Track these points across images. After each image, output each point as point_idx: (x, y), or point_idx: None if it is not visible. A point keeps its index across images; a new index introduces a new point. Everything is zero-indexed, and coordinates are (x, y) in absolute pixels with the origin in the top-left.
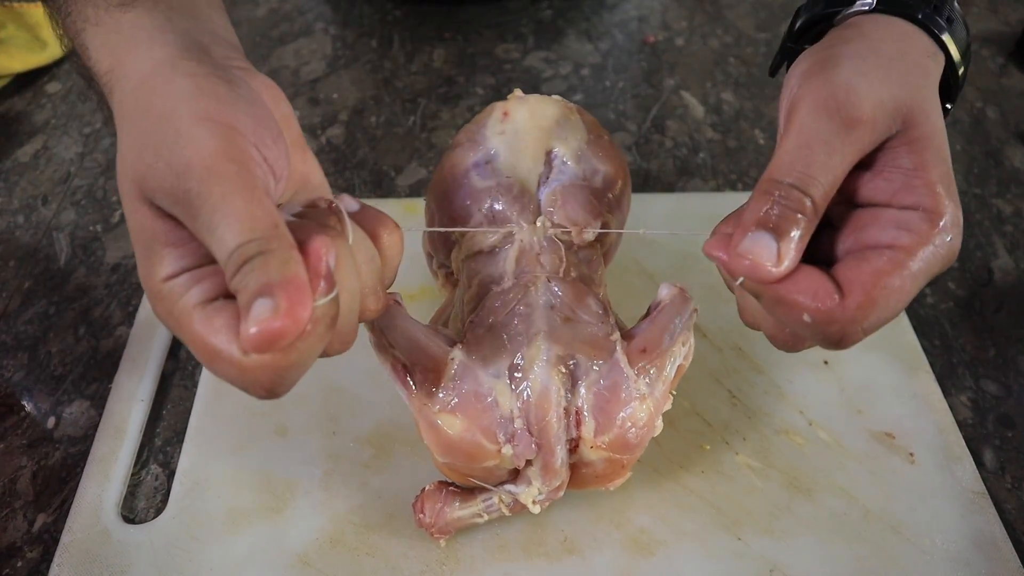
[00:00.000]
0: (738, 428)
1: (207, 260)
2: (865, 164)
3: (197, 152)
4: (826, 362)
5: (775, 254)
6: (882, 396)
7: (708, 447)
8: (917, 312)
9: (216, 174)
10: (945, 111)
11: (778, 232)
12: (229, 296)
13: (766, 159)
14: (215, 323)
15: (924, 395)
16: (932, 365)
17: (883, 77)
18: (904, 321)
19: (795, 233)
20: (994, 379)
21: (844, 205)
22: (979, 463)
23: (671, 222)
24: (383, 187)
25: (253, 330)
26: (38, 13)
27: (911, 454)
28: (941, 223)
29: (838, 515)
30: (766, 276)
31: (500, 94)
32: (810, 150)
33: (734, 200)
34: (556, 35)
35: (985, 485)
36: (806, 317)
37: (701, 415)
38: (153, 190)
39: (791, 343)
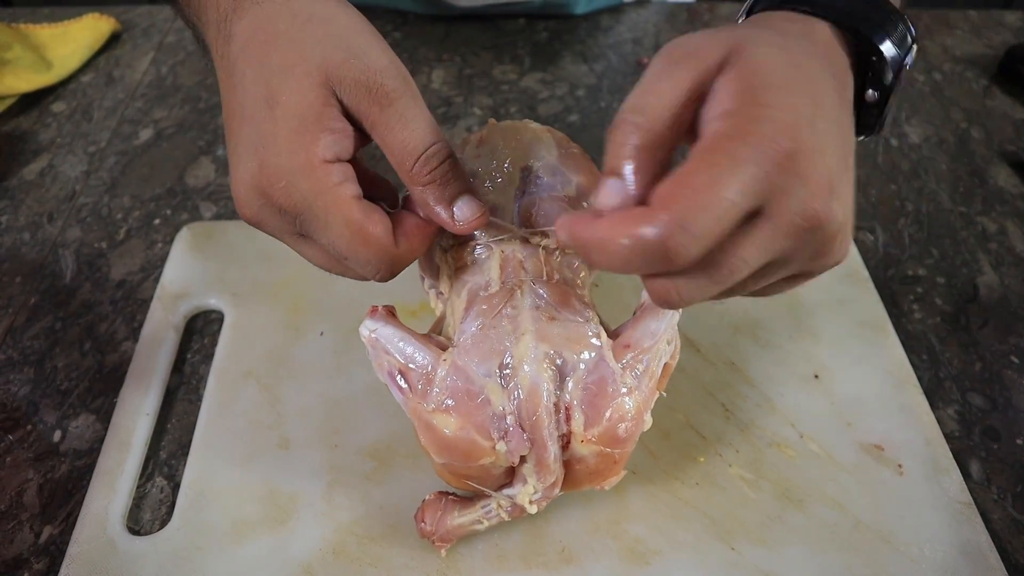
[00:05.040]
0: (731, 440)
1: (349, 156)
2: (704, 96)
3: (388, 60)
4: (816, 376)
5: (622, 190)
6: (871, 409)
7: (702, 459)
8: (905, 327)
9: (406, 80)
10: (870, 122)
11: (620, 170)
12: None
13: None
14: (374, 216)
15: (912, 408)
16: (920, 379)
17: (718, 30)
18: (892, 336)
19: (637, 163)
20: (980, 392)
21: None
22: (966, 474)
23: None
24: None
25: (463, 222)
26: (44, 34)
27: (900, 466)
28: (752, 115)
29: (829, 525)
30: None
31: (497, 115)
32: (644, 83)
33: None
34: (552, 57)
35: (972, 496)
36: (624, 240)
37: (695, 428)
38: (343, 79)
39: (663, 293)
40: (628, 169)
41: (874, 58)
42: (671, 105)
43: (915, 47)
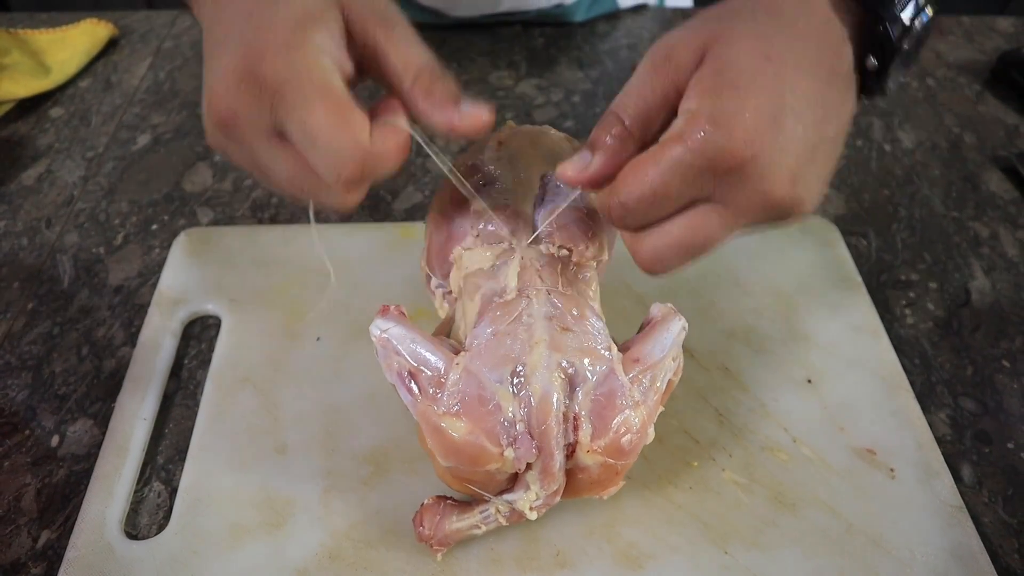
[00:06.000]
0: (724, 445)
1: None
2: (681, 92)
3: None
4: (809, 381)
5: (587, 163)
6: (863, 413)
7: (696, 464)
8: (897, 332)
9: (403, 14)
10: (874, 67)
11: (593, 148)
12: None
13: None
14: (354, 104)
15: (904, 412)
16: (912, 383)
17: (704, 19)
18: (884, 340)
19: (605, 146)
20: (972, 397)
21: None
22: (957, 478)
23: None
24: (380, 211)
25: (469, 118)
26: (42, 39)
27: (892, 470)
28: (695, 120)
29: (822, 529)
30: (574, 179)
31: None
32: (629, 86)
33: None
34: (548, 63)
35: (963, 499)
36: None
37: (689, 433)
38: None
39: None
40: (599, 152)
41: (878, 27)
42: (646, 108)
43: (929, 9)
